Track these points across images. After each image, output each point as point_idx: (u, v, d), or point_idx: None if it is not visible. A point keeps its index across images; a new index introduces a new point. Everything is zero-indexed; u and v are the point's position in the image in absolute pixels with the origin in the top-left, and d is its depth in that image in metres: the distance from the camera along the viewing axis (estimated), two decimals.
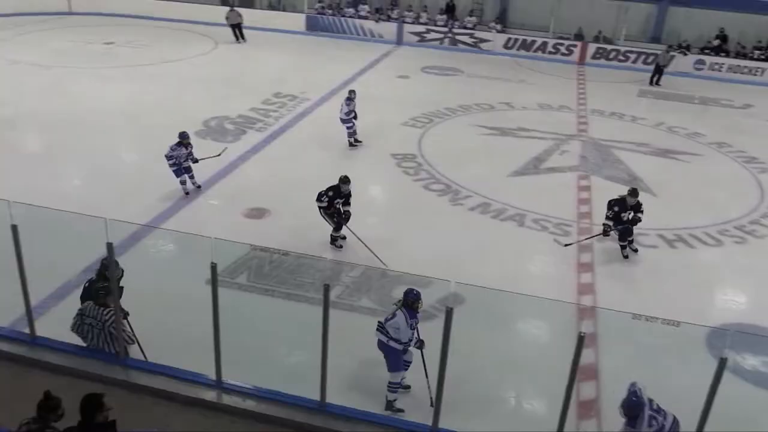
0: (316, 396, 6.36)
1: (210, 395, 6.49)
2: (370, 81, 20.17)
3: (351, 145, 14.57)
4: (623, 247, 10.44)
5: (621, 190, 12.98)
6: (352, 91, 14.60)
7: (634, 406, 5.57)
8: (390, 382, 6.77)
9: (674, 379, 7.37)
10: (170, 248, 10.32)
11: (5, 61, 20.18)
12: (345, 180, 10.21)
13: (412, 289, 6.74)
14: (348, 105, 14.32)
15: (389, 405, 6.84)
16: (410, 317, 6.65)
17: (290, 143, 14.70)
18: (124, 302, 6.95)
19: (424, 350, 6.74)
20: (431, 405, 6.40)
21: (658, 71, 22.06)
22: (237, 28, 24.25)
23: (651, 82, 21.98)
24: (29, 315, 7.06)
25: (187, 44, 23.19)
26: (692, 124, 17.73)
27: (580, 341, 5.44)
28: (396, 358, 6.70)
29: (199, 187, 11.95)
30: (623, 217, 10.22)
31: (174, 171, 11.56)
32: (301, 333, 7.42)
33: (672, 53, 23.06)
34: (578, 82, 21.89)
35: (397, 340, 6.62)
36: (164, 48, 22.77)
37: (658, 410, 5.65)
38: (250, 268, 9.27)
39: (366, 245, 9.74)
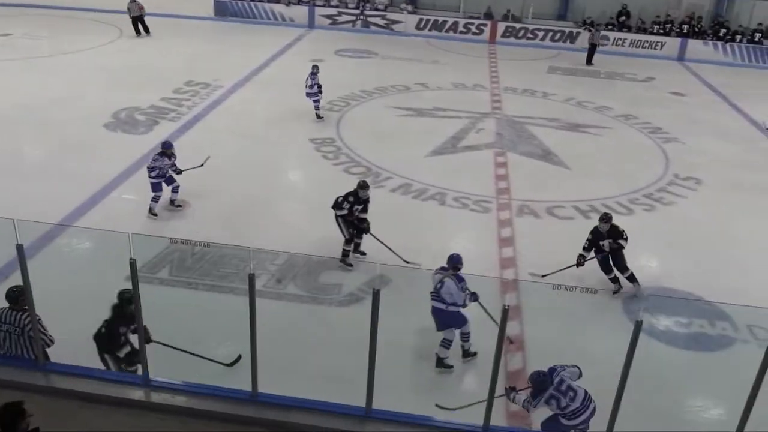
0: (248, 387, 6.30)
1: (138, 394, 6.31)
2: (284, 66, 19.94)
3: (318, 117, 15.24)
4: (613, 281, 9.12)
5: (536, 165, 13.44)
6: (315, 66, 15.14)
7: (538, 381, 5.95)
8: (444, 339, 7.34)
9: (595, 344, 7.70)
10: (86, 246, 9.93)
11: None
12: (364, 185, 9.48)
13: (454, 254, 7.41)
14: (312, 79, 14.89)
15: (439, 361, 7.40)
16: (459, 280, 7.23)
17: (206, 132, 14.35)
18: (39, 303, 6.65)
19: (480, 301, 7.32)
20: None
21: (592, 49, 22.69)
22: (139, 21, 22.90)
23: (588, 62, 22.47)
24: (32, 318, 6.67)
25: (91, 34, 22.21)
26: (600, 98, 18.42)
27: (505, 314, 5.58)
28: (454, 318, 7.32)
29: (179, 206, 10.83)
30: (602, 245, 9.01)
31: (153, 184, 10.48)
32: (229, 324, 7.32)
33: (602, 31, 23.79)
34: (490, 60, 22.33)
35: (454, 304, 7.23)
36: (66, 38, 21.72)
37: (566, 391, 5.91)
38: (171, 262, 9.05)
39: (391, 249, 9.33)
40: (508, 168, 13.30)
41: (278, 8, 25.85)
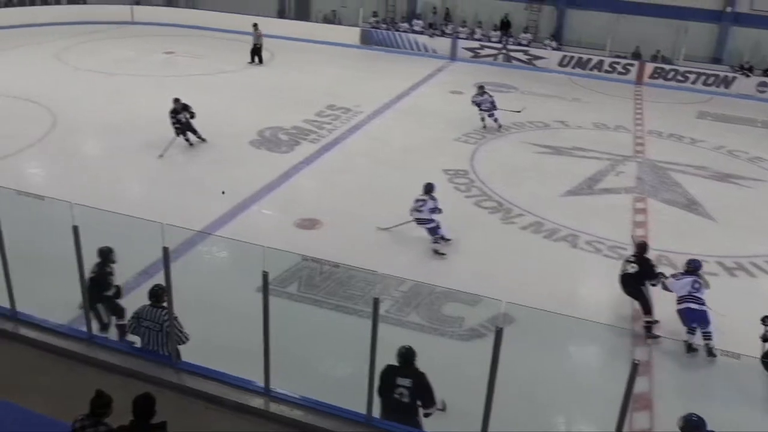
0: (362, 410, 6.33)
1: (258, 402, 6.51)
2: (424, 95, 20.21)
3: (500, 126, 17.11)
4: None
5: (678, 215, 12.72)
6: (481, 87, 17.25)
7: (694, 426, 5.49)
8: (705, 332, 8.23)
9: (735, 412, 7.11)
10: (223, 255, 10.46)
11: (70, 67, 20.90)
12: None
13: (695, 259, 8.95)
14: (481, 96, 16.99)
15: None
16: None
17: (343, 155, 14.80)
18: (177, 303, 7.04)
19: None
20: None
21: None
22: (257, 49, 23.10)
23: None
24: (87, 314, 7.22)
25: (244, 55, 23.60)
26: (755, 148, 17.22)
27: (634, 369, 5.27)
28: (705, 317, 8.30)
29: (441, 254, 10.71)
30: None
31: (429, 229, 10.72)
32: (350, 345, 7.41)
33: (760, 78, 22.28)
34: (635, 102, 21.52)
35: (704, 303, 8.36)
36: (222, 58, 23.24)
37: None
38: (300, 278, 9.33)
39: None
40: (648, 215, 12.69)
41: (422, 39, 26.31)
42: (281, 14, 29.12)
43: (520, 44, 25.88)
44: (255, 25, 23.08)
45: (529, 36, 26.31)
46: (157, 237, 6.62)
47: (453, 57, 25.73)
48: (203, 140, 14.70)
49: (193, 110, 14.50)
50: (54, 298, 7.87)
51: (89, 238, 6.83)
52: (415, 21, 27.17)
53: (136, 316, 6.92)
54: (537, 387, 7.53)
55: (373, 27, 27.17)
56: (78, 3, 28.48)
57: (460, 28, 26.84)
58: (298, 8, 29.53)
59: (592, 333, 8.17)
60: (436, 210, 10.75)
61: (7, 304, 7.53)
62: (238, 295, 8.48)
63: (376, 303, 5.96)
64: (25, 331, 7.35)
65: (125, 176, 13.26)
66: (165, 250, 6.64)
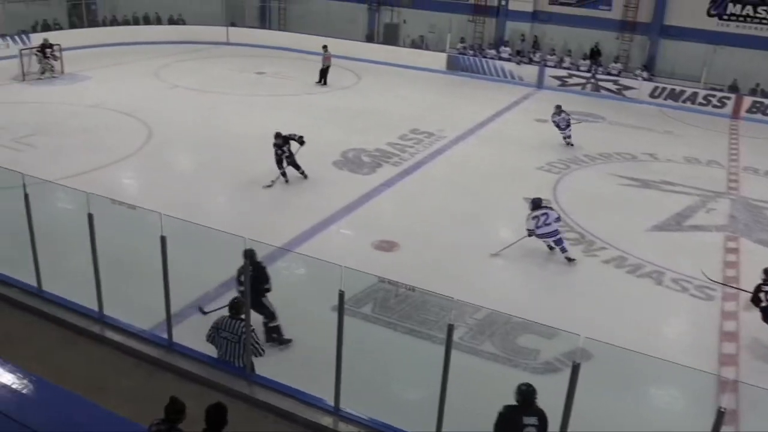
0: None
1: (327, 421, 6.54)
2: (508, 122, 20.05)
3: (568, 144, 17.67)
4: None
5: None
6: (558, 106, 17.76)
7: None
8: None
9: None
10: (301, 272, 10.61)
11: (166, 84, 21.90)
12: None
13: None
14: (559, 115, 17.56)
15: None
16: None
17: (424, 179, 14.83)
18: (254, 317, 7.19)
19: None
20: None
21: None
22: (324, 72, 23.56)
23: None
24: (168, 321, 7.46)
25: (332, 77, 24.10)
26: None
27: (720, 417, 5.00)
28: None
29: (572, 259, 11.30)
30: None
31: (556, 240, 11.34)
32: (421, 370, 7.36)
33: None
34: (730, 136, 20.65)
35: None
36: (310, 80, 23.79)
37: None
38: (375, 300, 9.36)
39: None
40: (740, 255, 12.08)
41: (508, 66, 26.17)
42: (369, 39, 29.61)
43: (609, 74, 25.35)
44: (325, 47, 23.70)
45: (619, 66, 25.74)
46: (239, 250, 6.82)
47: (540, 85, 25.46)
48: (304, 176, 14.13)
49: (302, 138, 14.01)
50: (139, 304, 8.18)
51: (176, 248, 7.08)
52: (502, 48, 27.08)
53: (215, 327, 7.11)
54: (612, 428, 7.24)
55: (460, 53, 27.24)
56: (177, 24, 29.88)
57: (548, 56, 26.55)
58: (386, 33, 29.97)
59: (674, 375, 7.80)
60: (559, 219, 11.49)
61: (95, 307, 7.89)
62: (313, 312, 8.59)
63: (450, 329, 5.91)
64: (110, 334, 7.67)
65: (213, 190, 13.72)
66: (245, 264, 6.83)
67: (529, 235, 11.35)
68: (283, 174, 13.84)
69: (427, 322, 9.00)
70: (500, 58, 26.61)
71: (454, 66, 26.87)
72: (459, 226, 12.44)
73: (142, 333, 7.66)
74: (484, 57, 26.82)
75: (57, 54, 22.21)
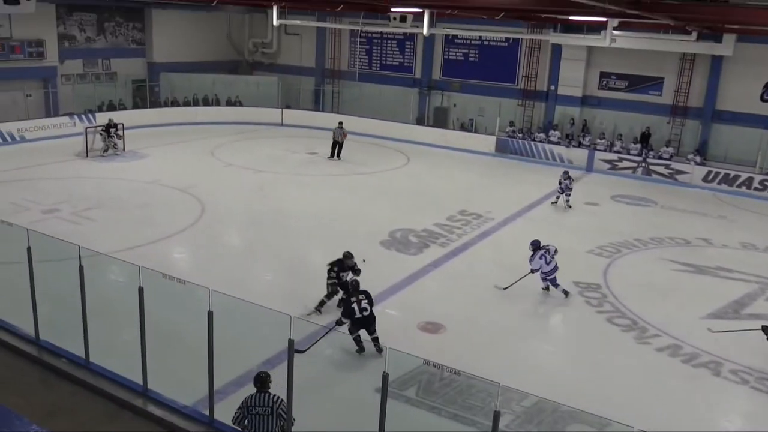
0: None
1: None
2: (558, 206, 19.93)
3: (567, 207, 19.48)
4: None
5: None
6: (566, 172, 19.70)
7: None
8: None
9: None
10: (346, 351, 10.50)
11: (221, 163, 22.62)
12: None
13: None
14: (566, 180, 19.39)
15: None
16: None
17: (471, 261, 14.72)
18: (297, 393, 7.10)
19: None
20: None
21: None
22: (338, 146, 24.25)
23: None
24: (211, 398, 7.43)
25: (382, 158, 24.55)
26: None
27: None
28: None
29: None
30: None
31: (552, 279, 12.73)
32: None
33: None
34: None
35: None
36: (361, 161, 24.26)
37: None
38: (420, 383, 9.16)
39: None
40: None
41: (558, 149, 26.24)
42: (420, 121, 30.23)
43: (661, 158, 25.13)
44: (340, 123, 24.68)
45: (671, 150, 25.53)
46: (284, 328, 6.81)
47: (589, 168, 25.37)
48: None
49: (359, 268, 11.62)
50: (183, 378, 8.19)
51: (222, 324, 7.13)
52: (551, 132, 27.24)
53: (244, 406, 6.79)
54: None
55: (509, 136, 27.49)
56: (235, 105, 31.09)
57: (598, 140, 26.55)
58: (436, 116, 30.58)
59: None
60: (557, 251, 12.77)
61: (140, 381, 7.93)
62: (356, 392, 8.46)
63: (496, 416, 5.74)
64: (152, 409, 7.66)
65: (261, 267, 13.89)
66: (290, 342, 6.81)
67: (533, 272, 12.67)
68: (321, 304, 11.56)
69: (473, 407, 8.74)
70: (549, 142, 26.74)
71: (503, 149, 27.08)
72: (506, 309, 12.23)
73: (183, 409, 7.63)
74: (533, 140, 26.99)
75: (120, 133, 23.25)
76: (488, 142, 27.39)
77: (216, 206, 17.45)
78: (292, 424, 7.00)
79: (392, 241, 15.46)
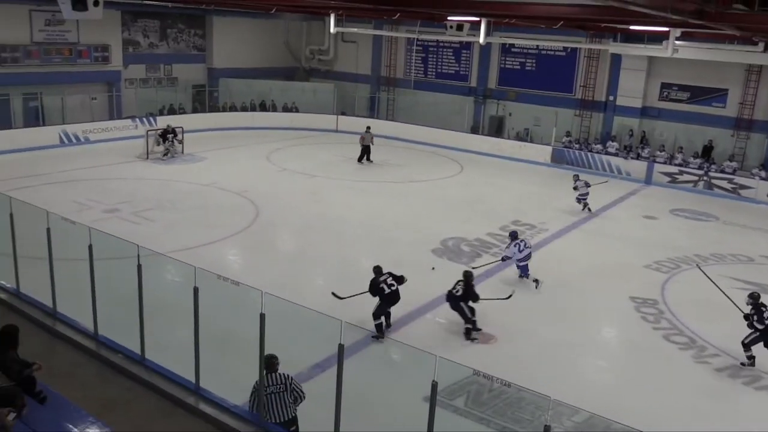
0: None
1: None
2: (613, 218, 19.53)
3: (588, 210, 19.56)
4: None
5: None
6: (576, 175, 19.90)
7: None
8: None
9: None
10: (395, 358, 10.49)
11: (276, 168, 22.93)
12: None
13: None
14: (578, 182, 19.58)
15: None
16: None
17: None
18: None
19: None
20: None
21: None
22: (367, 151, 24.83)
23: None
24: (261, 399, 7.48)
25: (436, 166, 24.48)
26: None
27: None
28: None
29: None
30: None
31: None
32: None
33: None
34: None
35: None
36: (417, 169, 24.27)
37: None
38: (469, 393, 9.07)
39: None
40: None
41: (615, 161, 25.71)
42: (474, 130, 30.03)
43: (723, 172, 24.37)
44: (368, 128, 25.48)
45: (734, 164, 24.73)
46: (335, 333, 6.82)
47: (648, 181, 24.77)
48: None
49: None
50: (234, 379, 8.28)
51: (273, 326, 7.18)
52: (609, 143, 26.71)
53: (254, 391, 7.28)
54: None
55: (566, 146, 27.08)
56: (291, 111, 31.50)
57: (658, 152, 25.92)
58: (491, 125, 30.37)
59: None
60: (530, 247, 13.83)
61: (192, 379, 8.05)
62: (404, 400, 8.40)
63: (546, 431, 5.61)
64: (204, 407, 7.76)
65: (314, 271, 13.99)
66: (340, 347, 6.81)
67: (503, 260, 13.84)
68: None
69: (522, 420, 8.59)
70: (607, 153, 26.23)
71: (558, 159, 26.69)
72: (559, 323, 12.01)
73: (234, 408, 7.71)
74: (590, 151, 26.52)
75: (180, 138, 23.80)
76: (544, 152, 27.05)
77: (270, 210, 17.68)
78: (304, 399, 7.32)
79: (444, 250, 15.37)
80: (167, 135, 23.50)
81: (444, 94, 31.31)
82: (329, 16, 24.42)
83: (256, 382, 7.28)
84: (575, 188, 19.48)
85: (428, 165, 25.20)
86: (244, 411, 7.70)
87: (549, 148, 27.04)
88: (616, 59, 26.92)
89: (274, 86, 32.44)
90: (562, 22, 20.60)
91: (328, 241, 15.65)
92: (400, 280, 11.25)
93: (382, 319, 10.87)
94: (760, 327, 10.43)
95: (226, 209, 17.74)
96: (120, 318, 9.32)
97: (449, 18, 20.29)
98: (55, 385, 7.13)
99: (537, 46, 28.55)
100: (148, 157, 23.20)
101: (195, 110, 30.57)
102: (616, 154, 26.05)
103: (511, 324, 11.69)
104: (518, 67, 29.83)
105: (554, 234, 17.34)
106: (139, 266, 8.40)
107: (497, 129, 30.07)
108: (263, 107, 31.65)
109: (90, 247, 8.93)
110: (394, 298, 11.04)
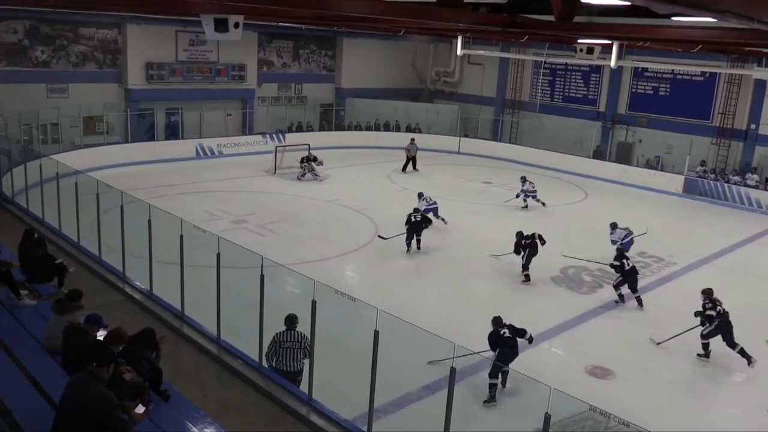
0: None
1: None
2: (751, 255, 18.22)
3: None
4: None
5: None
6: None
7: None
8: None
9: None
10: (508, 387, 10.23)
11: (397, 187, 23.19)
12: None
13: None
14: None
15: None
16: None
17: (649, 306, 13.78)
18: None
19: None
20: None
21: None
22: (412, 160, 26.16)
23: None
24: (370, 415, 7.54)
25: (558, 192, 23.85)
26: None
27: None
28: None
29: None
30: None
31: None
32: None
33: None
34: None
35: None
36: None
37: None
38: (583, 429, 8.69)
39: None
40: None
41: (755, 194, 24.00)
42: (597, 156, 28.98)
43: None
44: (413, 140, 26.65)
45: None
46: (447, 355, 6.77)
47: None
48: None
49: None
50: (345, 393, 8.40)
51: (387, 343, 7.23)
52: (749, 175, 24.99)
53: (276, 342, 8.43)
54: None
55: (700, 176, 25.59)
56: (414, 131, 31.81)
57: None
58: (619, 152, 29.26)
59: None
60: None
61: (306, 389, 8.23)
62: (515, 429, 8.19)
63: None
64: (314, 418, 7.91)
65: (427, 292, 13.98)
66: (452, 370, 6.74)
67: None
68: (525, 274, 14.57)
69: None
70: (746, 185, 24.54)
71: (691, 190, 25.27)
72: (684, 364, 11.29)
73: (344, 422, 7.80)
74: (727, 182, 24.91)
75: (317, 164, 24.24)
76: (675, 182, 25.69)
77: (388, 228, 17.85)
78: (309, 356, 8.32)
79: (563, 278, 14.92)
80: (309, 161, 24.26)
81: (570, 118, 30.56)
82: (456, 38, 24.54)
83: (276, 334, 8.46)
84: (523, 190, 21.08)
85: (551, 190, 24.54)
86: (353, 426, 7.78)
87: (681, 178, 25.66)
88: (760, 85, 25.24)
89: (399, 107, 32.96)
90: (700, 46, 19.61)
91: (445, 263, 15.61)
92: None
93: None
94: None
95: (346, 226, 18.13)
96: (241, 324, 9.70)
97: (579, 41, 19.84)
98: (178, 385, 7.52)
99: (672, 70, 27.31)
100: (275, 172, 24.16)
101: (322, 128, 31.60)
102: (756, 187, 24.31)
103: (631, 360, 11.14)
104: (651, 91, 28.62)
105: (684, 268, 16.39)
106: (262, 276, 8.73)
107: (625, 155, 28.91)
108: (387, 127, 32.19)
109: (218, 256, 9.38)
110: (417, 227, 13.55)
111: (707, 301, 11.44)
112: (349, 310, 8.16)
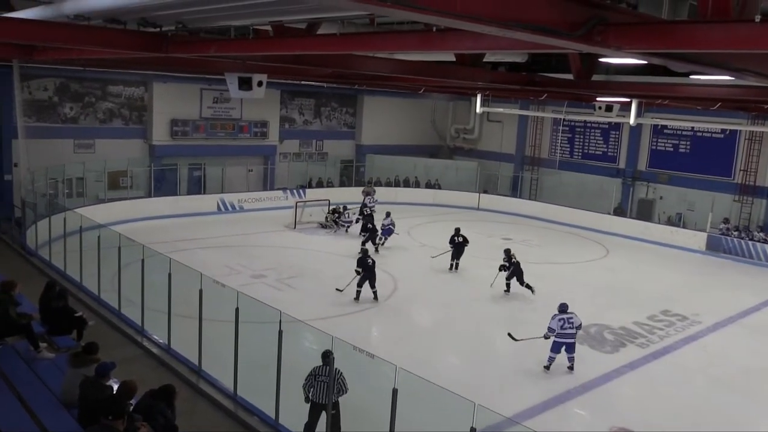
0: None
1: None
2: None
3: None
4: None
5: None
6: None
7: None
8: None
9: None
10: None
11: (417, 243, 23.14)
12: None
13: None
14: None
15: None
16: None
17: (673, 367, 13.47)
18: None
19: None
20: None
21: None
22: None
23: None
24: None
25: (579, 248, 23.65)
26: None
27: None
28: None
29: None
30: None
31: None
32: None
33: None
34: None
35: None
36: (555, 250, 23.61)
37: None
38: None
39: None
40: None
41: None
42: (618, 212, 28.82)
43: None
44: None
45: None
46: (467, 414, 6.61)
47: None
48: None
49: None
50: None
51: (405, 402, 7.09)
52: None
53: (313, 375, 8.52)
54: None
55: (723, 233, 25.28)
56: (434, 188, 31.97)
57: None
58: (640, 208, 29.10)
59: None
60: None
61: None
62: None
63: None
64: None
65: (447, 349, 13.78)
66: (472, 430, 6.58)
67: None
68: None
69: None
70: None
71: (714, 247, 24.95)
72: (712, 426, 10.93)
73: None
74: (752, 239, 24.58)
75: (344, 218, 24.54)
76: (698, 239, 25.40)
77: (407, 284, 17.77)
78: (347, 392, 8.44)
79: (585, 337, 14.63)
80: (336, 213, 24.53)
81: (589, 174, 30.55)
82: (476, 96, 24.86)
83: (313, 368, 8.53)
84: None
85: (571, 247, 24.43)
86: None
87: (704, 235, 25.37)
88: None
89: (418, 163, 33.20)
90: (720, 104, 19.68)
91: (465, 319, 15.42)
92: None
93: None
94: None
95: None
96: (258, 380, 9.59)
97: (598, 99, 20.01)
98: None
99: (692, 127, 27.32)
100: (295, 227, 24.28)
101: (342, 184, 31.83)
102: None
103: (657, 422, 10.80)
104: (671, 148, 28.60)
105: (709, 327, 16.03)
106: (280, 332, 8.67)
107: (646, 212, 28.73)
108: (406, 183, 32.38)
109: (237, 310, 9.35)
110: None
111: (506, 258, 17.30)
112: (367, 367, 8.06)
